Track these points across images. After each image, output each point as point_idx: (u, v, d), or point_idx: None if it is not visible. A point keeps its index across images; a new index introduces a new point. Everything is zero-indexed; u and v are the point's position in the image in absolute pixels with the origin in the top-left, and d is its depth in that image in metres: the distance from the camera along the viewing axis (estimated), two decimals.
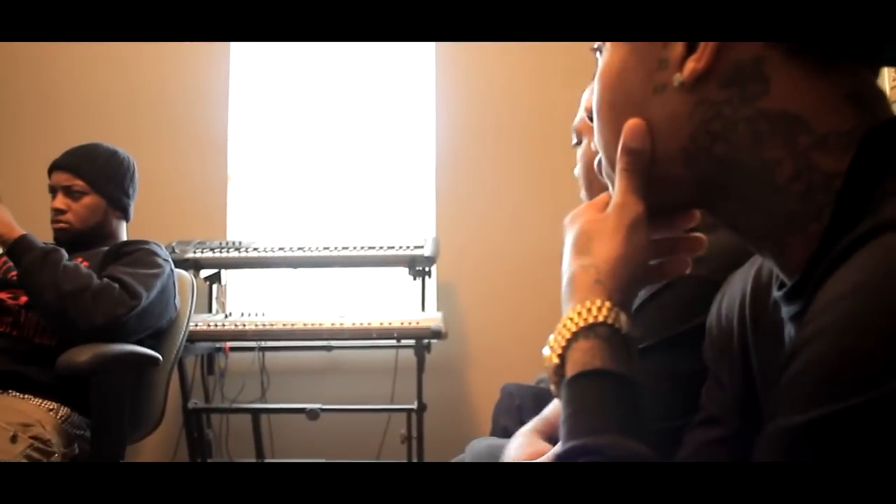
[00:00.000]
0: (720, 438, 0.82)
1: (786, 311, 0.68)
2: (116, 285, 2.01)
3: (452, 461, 1.68)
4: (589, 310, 0.68)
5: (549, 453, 1.01)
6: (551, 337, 0.70)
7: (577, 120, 1.43)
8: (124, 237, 2.35)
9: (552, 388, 0.70)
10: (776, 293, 0.69)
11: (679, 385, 0.90)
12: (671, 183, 0.69)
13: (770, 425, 0.52)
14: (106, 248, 2.21)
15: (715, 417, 0.83)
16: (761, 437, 0.53)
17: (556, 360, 0.69)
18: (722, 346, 0.84)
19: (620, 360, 0.67)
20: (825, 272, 0.55)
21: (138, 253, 2.17)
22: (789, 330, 0.69)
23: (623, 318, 0.68)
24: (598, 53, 0.74)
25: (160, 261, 2.18)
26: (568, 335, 0.68)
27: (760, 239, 0.68)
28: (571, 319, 0.69)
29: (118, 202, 2.30)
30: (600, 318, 0.67)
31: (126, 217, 2.35)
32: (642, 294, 0.98)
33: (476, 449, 1.68)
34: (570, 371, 0.67)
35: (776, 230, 0.65)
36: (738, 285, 0.84)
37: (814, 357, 0.50)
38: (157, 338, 2.23)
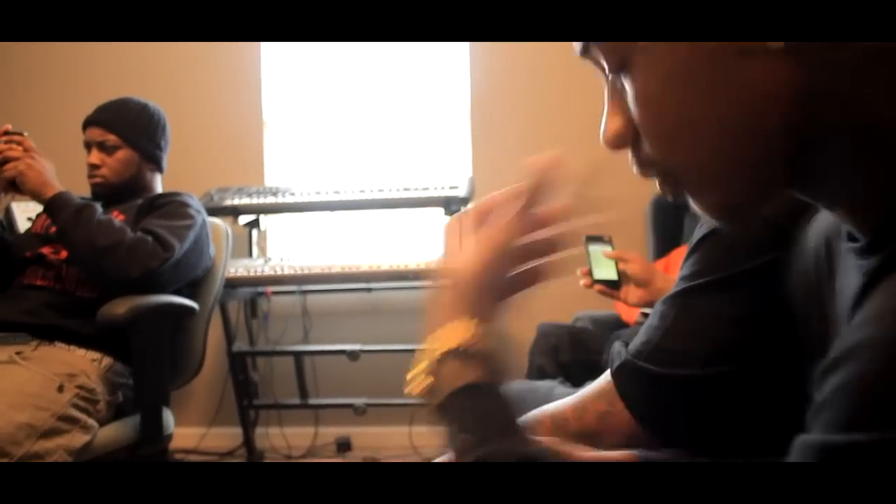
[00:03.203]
0: None
1: (861, 264, 0.61)
2: (150, 238, 2.05)
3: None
4: (452, 331, 0.72)
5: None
6: (413, 369, 0.74)
7: None
8: (159, 189, 2.39)
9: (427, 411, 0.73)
10: (846, 244, 0.64)
11: (729, 328, 0.87)
12: (765, 169, 0.60)
13: (810, 435, 0.48)
14: (140, 202, 2.26)
15: None
16: (798, 443, 0.49)
17: (429, 381, 0.72)
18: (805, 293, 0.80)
19: (488, 370, 0.70)
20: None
21: (171, 205, 2.21)
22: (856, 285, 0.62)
23: (484, 330, 0.71)
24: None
25: (192, 212, 2.22)
26: (435, 358, 0.72)
27: (840, 202, 0.61)
28: (437, 343, 0.72)
29: (151, 155, 2.34)
30: (464, 339, 0.71)
31: (160, 169, 2.39)
32: (701, 230, 0.95)
33: None
34: (445, 391, 0.71)
35: (866, 194, 0.58)
36: (817, 232, 0.78)
37: (863, 369, 0.45)
38: (194, 287, 2.28)
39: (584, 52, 0.66)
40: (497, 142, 3.48)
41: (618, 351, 0.96)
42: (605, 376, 0.94)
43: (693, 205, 0.67)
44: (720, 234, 0.92)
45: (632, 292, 1.81)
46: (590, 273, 1.82)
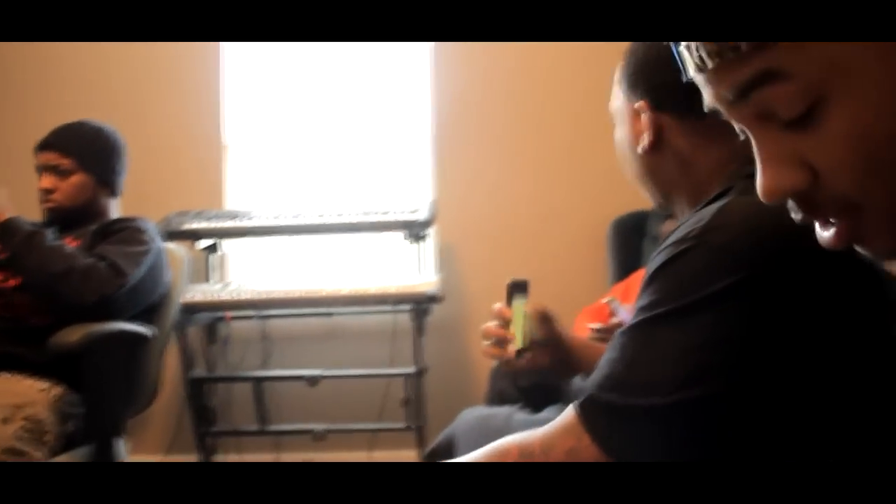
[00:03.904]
0: None
1: None
2: (103, 264, 2.02)
3: (440, 436, 1.68)
4: None
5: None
6: None
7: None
8: (115, 214, 2.35)
9: None
10: None
11: (696, 354, 0.87)
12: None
13: None
14: (95, 227, 2.22)
15: None
16: None
17: None
18: None
19: None
20: None
21: (126, 231, 2.17)
22: None
23: None
24: None
25: (148, 237, 2.18)
26: None
27: None
28: None
29: (107, 180, 2.30)
30: None
31: (115, 194, 2.35)
32: (656, 261, 0.96)
33: (466, 419, 1.68)
34: None
35: None
36: None
37: None
38: (150, 313, 2.24)
39: (742, 97, 0.60)
40: (459, 166, 3.49)
41: (579, 386, 0.97)
42: (570, 411, 0.94)
43: (867, 248, 0.61)
44: (672, 267, 0.92)
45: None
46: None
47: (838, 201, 0.58)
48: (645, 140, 1.13)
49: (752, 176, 0.96)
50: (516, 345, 1.32)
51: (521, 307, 1.36)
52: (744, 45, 0.57)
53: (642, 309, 0.93)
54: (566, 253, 3.37)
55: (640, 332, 0.92)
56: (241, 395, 3.37)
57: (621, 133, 1.19)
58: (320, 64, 3.61)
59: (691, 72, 0.63)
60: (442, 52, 3.51)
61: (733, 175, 1.04)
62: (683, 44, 0.62)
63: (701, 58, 0.60)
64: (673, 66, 1.16)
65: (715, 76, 0.60)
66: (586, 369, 1.38)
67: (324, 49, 3.60)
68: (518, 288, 1.37)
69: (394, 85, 3.60)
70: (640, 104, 1.14)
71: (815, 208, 0.60)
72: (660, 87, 1.14)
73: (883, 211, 0.58)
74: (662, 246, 0.96)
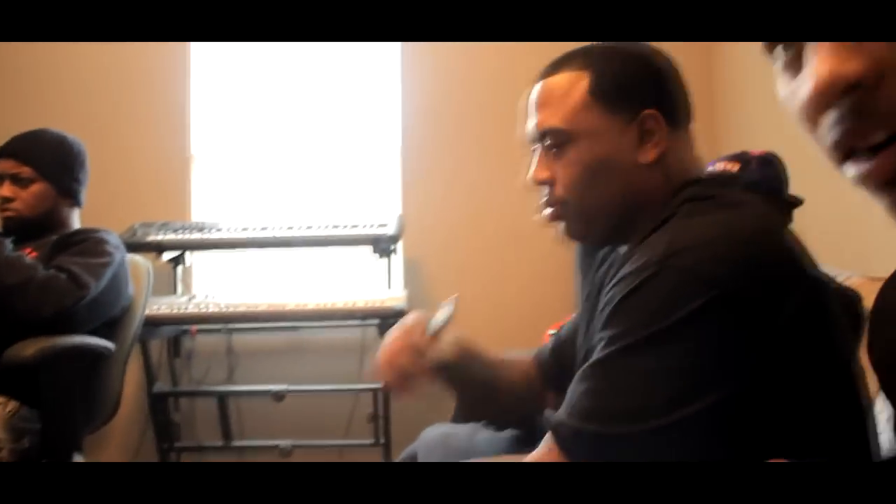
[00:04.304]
0: None
1: None
2: (63, 275, 1.98)
3: (403, 454, 1.67)
4: None
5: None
6: None
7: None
8: (76, 224, 2.31)
9: None
10: None
11: (668, 380, 0.89)
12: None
13: None
14: (55, 238, 2.17)
15: None
16: None
17: None
18: None
19: None
20: None
21: (87, 242, 2.14)
22: None
23: None
24: None
25: (110, 248, 2.14)
26: None
27: None
28: None
29: (68, 189, 2.26)
30: None
31: (77, 204, 2.31)
32: (618, 289, 0.96)
33: (429, 437, 1.66)
34: None
35: None
36: None
37: None
38: (111, 326, 2.20)
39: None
40: (427, 180, 3.47)
41: (548, 415, 0.96)
42: (548, 443, 0.94)
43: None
44: (639, 293, 0.93)
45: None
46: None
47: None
48: (655, 150, 1.10)
49: (696, 199, 0.99)
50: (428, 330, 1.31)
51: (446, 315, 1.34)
52: None
53: (613, 339, 0.93)
54: (534, 269, 3.36)
55: (614, 363, 0.93)
56: (206, 410, 3.32)
57: (599, 148, 1.12)
58: (289, 75, 3.58)
59: None
60: (411, 64, 3.50)
61: (681, 198, 1.05)
62: None
63: None
64: (674, 78, 1.15)
65: None
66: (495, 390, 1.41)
67: (292, 59, 3.57)
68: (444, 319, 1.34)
69: (362, 98, 3.58)
70: (651, 112, 1.11)
71: (868, 116, 0.53)
72: (667, 97, 1.13)
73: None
74: (622, 274, 0.97)
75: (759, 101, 2.96)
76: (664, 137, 1.11)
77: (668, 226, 0.99)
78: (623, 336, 0.92)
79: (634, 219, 1.10)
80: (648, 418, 0.87)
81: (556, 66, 1.17)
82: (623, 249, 1.09)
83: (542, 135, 1.14)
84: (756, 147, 2.11)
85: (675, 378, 0.88)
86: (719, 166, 2.00)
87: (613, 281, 0.98)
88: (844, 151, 0.54)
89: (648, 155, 1.10)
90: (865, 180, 0.54)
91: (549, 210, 1.17)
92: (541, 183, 1.16)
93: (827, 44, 0.54)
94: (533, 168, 1.16)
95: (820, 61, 0.53)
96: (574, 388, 0.95)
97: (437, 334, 1.31)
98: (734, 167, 1.97)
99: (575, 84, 1.12)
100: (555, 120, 1.12)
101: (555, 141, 1.12)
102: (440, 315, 1.34)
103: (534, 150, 1.17)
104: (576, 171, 1.11)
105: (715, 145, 3.25)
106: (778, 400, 0.89)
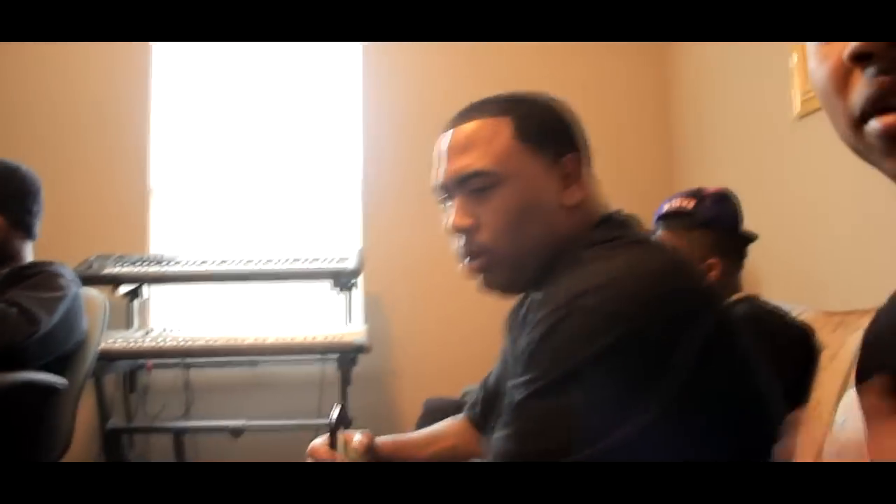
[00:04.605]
0: None
1: None
2: (14, 310, 1.94)
3: None
4: None
5: None
6: None
7: None
8: (29, 258, 2.27)
9: None
10: None
11: (583, 417, 0.91)
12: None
13: None
14: (7, 271, 2.13)
15: None
16: None
17: None
18: None
19: None
20: None
21: (40, 276, 2.09)
22: None
23: None
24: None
25: (64, 282, 2.11)
26: None
27: None
28: None
29: (21, 221, 2.22)
30: None
31: (30, 236, 2.27)
32: (534, 333, 0.97)
33: None
34: None
35: None
36: None
37: None
38: (63, 361, 2.15)
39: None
40: (387, 215, 3.47)
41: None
42: None
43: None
44: (555, 335, 0.95)
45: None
46: None
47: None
48: (579, 192, 1.13)
49: (601, 242, 1.02)
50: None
51: (344, 442, 1.31)
52: None
53: (529, 383, 0.96)
54: (494, 305, 3.34)
55: (532, 405, 0.95)
56: (161, 446, 3.26)
57: (527, 191, 1.11)
58: (250, 107, 3.58)
59: None
60: (373, 97, 3.51)
61: (588, 240, 1.09)
62: None
63: None
64: (580, 123, 1.19)
65: None
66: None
67: (253, 92, 3.57)
68: (341, 422, 1.31)
69: (324, 131, 3.58)
70: (573, 155, 1.13)
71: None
72: (580, 141, 1.16)
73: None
74: (535, 319, 0.99)
75: (717, 135, 3.01)
76: (585, 180, 1.13)
77: (575, 269, 1.02)
78: (539, 378, 0.94)
79: (553, 263, 1.09)
80: (567, 456, 0.89)
81: (466, 115, 1.17)
82: (537, 295, 1.08)
83: (466, 178, 1.13)
84: (712, 184, 2.15)
85: (590, 414, 0.90)
86: (675, 203, 2.03)
87: (528, 328, 1.00)
88: (877, 107, 0.54)
89: (573, 197, 1.12)
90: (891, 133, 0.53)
91: (471, 260, 1.15)
92: (463, 230, 1.13)
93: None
94: (453, 215, 1.14)
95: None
96: (497, 434, 0.98)
97: (332, 439, 1.28)
98: (689, 203, 2.00)
99: (498, 128, 1.12)
100: (483, 162, 1.11)
101: (482, 184, 1.11)
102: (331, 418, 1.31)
103: (445, 199, 1.17)
104: (504, 214, 1.10)
105: (670, 182, 3.30)
106: (689, 427, 0.91)
